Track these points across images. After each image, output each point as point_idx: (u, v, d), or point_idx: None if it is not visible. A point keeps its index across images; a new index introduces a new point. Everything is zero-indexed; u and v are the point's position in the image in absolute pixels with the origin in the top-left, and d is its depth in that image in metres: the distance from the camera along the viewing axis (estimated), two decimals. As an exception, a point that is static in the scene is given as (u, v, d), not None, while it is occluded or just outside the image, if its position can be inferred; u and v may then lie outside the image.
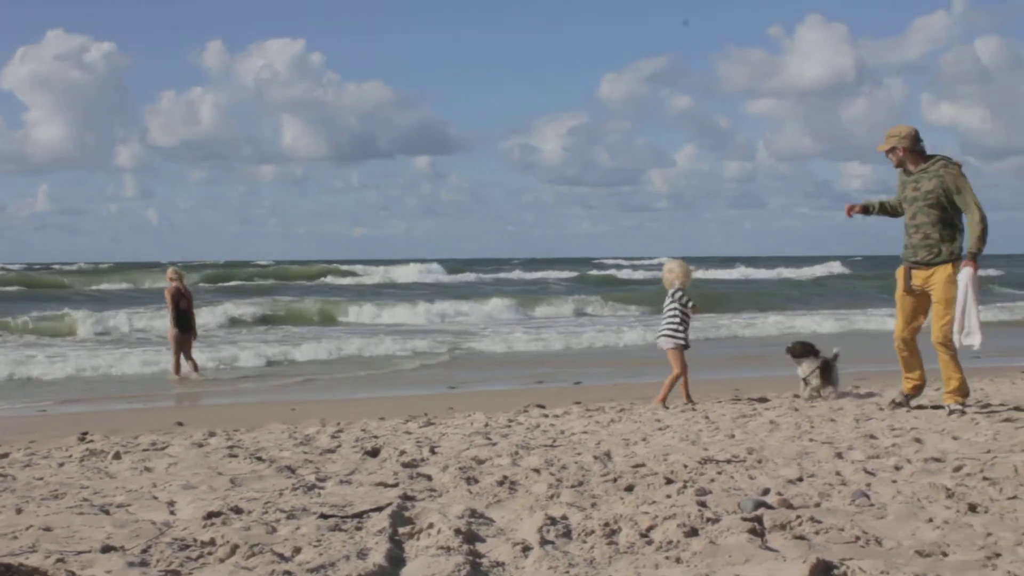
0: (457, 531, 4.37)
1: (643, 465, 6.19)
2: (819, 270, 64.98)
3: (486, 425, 8.75)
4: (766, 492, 5.26)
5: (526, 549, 4.14)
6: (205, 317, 25.48)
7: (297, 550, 4.18)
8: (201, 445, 7.75)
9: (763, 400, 10.16)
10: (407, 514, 4.80)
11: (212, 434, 8.50)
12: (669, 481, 5.56)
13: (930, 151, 8.33)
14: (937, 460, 6.13)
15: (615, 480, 5.63)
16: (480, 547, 4.25)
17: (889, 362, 9.88)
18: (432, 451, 7.07)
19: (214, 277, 51.80)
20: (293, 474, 6.18)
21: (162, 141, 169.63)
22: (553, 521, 4.57)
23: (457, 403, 11.13)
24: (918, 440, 7.02)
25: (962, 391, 8.26)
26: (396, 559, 4.05)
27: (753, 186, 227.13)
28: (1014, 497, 4.89)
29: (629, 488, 5.42)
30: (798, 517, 4.50)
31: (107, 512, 5.07)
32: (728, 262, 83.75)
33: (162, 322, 23.17)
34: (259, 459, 6.81)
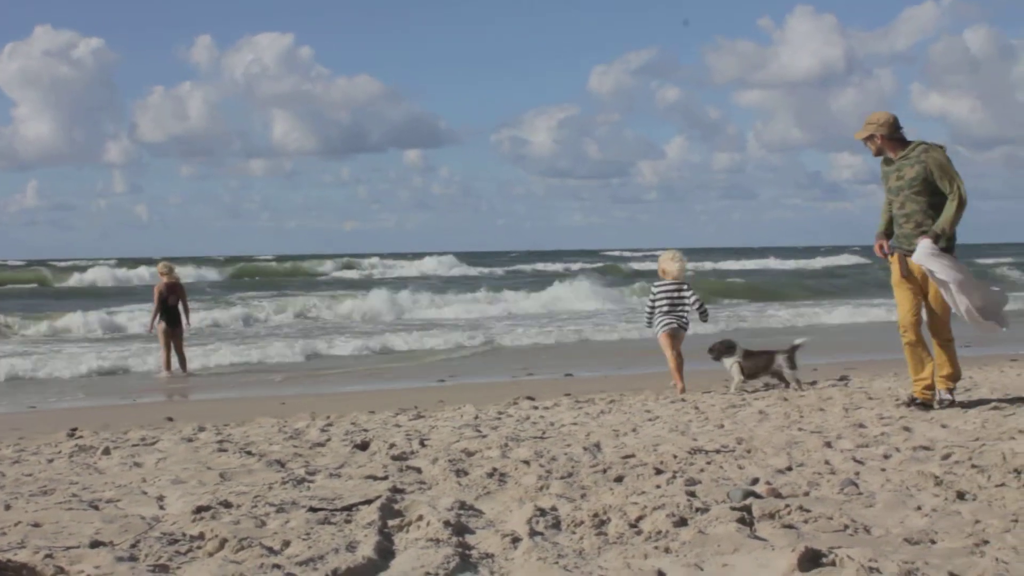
0: (447, 523, 4.37)
1: (633, 456, 6.20)
2: (839, 259, 64.99)
3: (476, 417, 8.76)
4: (755, 482, 5.27)
5: (515, 540, 4.15)
6: (231, 313, 25.52)
7: (286, 543, 4.17)
8: (191, 440, 7.74)
9: (753, 390, 10.18)
10: (396, 507, 4.80)
11: (202, 429, 8.49)
12: (658, 471, 5.57)
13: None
14: (926, 448, 6.15)
15: (605, 471, 5.64)
16: (469, 539, 4.25)
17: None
18: (422, 444, 7.07)
19: (239, 272, 51.53)
20: (283, 468, 6.18)
21: (151, 136, 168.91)
22: (542, 512, 4.58)
23: (447, 396, 11.13)
24: (907, 429, 7.04)
25: (954, 376, 8.16)
26: (385, 551, 4.05)
27: (743, 177, 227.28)
28: (1002, 485, 4.91)
29: (619, 479, 5.43)
30: (787, 506, 4.51)
31: (96, 507, 5.06)
32: (740, 252, 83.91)
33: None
34: (248, 453, 6.81)
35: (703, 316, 10.59)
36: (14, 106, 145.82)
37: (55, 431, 8.81)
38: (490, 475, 5.60)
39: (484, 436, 7.41)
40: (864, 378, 10.95)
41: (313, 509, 4.78)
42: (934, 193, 7.81)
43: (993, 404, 8.08)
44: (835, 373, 11.57)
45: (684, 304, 10.48)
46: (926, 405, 7.99)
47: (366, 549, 4.01)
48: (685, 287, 10.53)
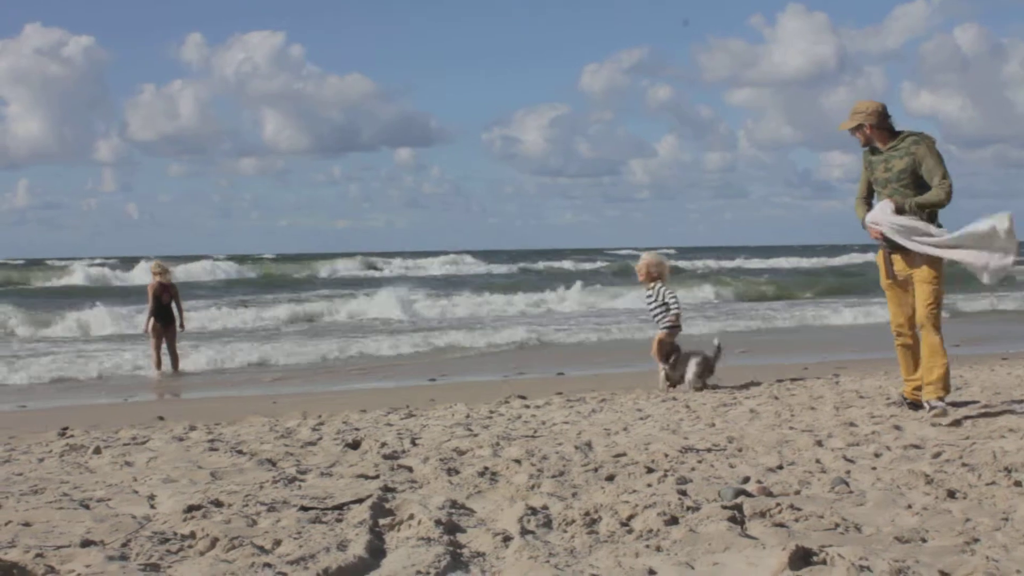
0: (438, 522, 4.37)
1: (624, 455, 6.21)
2: (849, 258, 65.15)
3: (467, 416, 8.75)
4: (746, 480, 5.28)
5: (507, 539, 4.15)
6: (266, 312, 25.45)
7: (277, 542, 4.17)
8: (182, 439, 7.72)
9: (745, 387, 10.19)
10: (388, 505, 4.80)
11: (193, 428, 8.47)
12: (650, 470, 5.58)
13: None
14: (916, 447, 6.16)
15: (596, 470, 5.64)
16: (461, 538, 4.25)
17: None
18: (413, 443, 7.06)
19: (267, 272, 51.24)
20: (274, 467, 6.17)
21: (142, 135, 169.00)
22: (534, 511, 4.58)
23: (439, 395, 11.12)
24: (897, 427, 7.06)
25: (945, 384, 7.53)
26: (376, 550, 4.05)
27: (735, 176, 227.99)
28: (992, 483, 4.92)
29: (610, 478, 5.44)
30: (778, 505, 4.52)
31: (87, 507, 5.05)
32: (753, 251, 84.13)
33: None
34: (240, 452, 6.80)
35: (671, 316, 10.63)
36: (4, 104, 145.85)
37: (46, 430, 8.78)
38: (481, 474, 5.60)
39: (475, 435, 7.40)
40: (855, 376, 10.97)
41: (304, 508, 4.77)
42: (923, 186, 7.52)
43: (984, 403, 8.10)
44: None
45: (670, 306, 10.60)
46: (915, 406, 7.81)
47: (357, 548, 4.01)
48: (667, 294, 10.63)
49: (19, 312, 23.84)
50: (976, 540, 3.96)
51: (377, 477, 5.65)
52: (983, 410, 7.70)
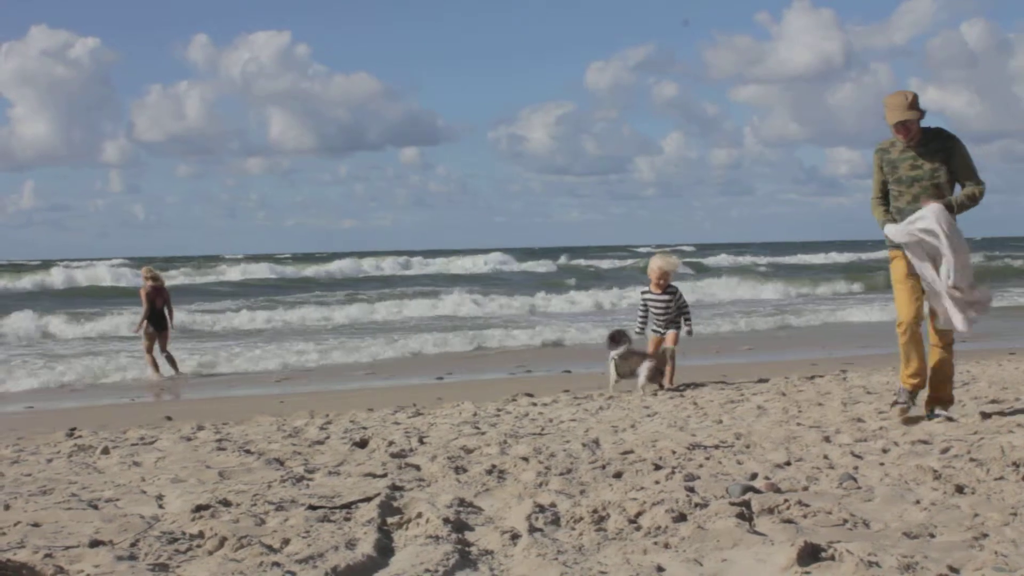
0: (446, 520, 4.37)
1: (631, 452, 6.20)
2: (875, 254, 64.85)
3: (475, 415, 8.76)
4: (754, 477, 5.28)
5: (515, 537, 4.15)
6: (312, 313, 25.44)
7: (286, 541, 4.17)
8: (190, 439, 7.74)
9: (754, 383, 10.19)
10: (396, 504, 4.80)
11: (200, 428, 8.49)
12: (657, 467, 5.57)
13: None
14: (924, 442, 6.15)
15: (603, 467, 5.64)
16: (469, 536, 4.25)
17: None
18: (421, 441, 7.07)
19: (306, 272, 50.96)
20: (281, 466, 6.18)
21: (148, 136, 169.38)
22: (542, 509, 4.58)
23: (446, 393, 11.13)
24: (905, 423, 7.04)
25: (948, 399, 7.43)
26: (385, 549, 4.05)
27: (741, 173, 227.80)
28: (1000, 478, 4.91)
29: (617, 475, 5.44)
30: (786, 501, 4.51)
31: (95, 507, 5.05)
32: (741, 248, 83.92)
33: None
34: (247, 452, 6.80)
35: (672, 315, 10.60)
36: (11, 106, 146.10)
37: (54, 431, 8.80)
38: (489, 472, 5.61)
39: (483, 433, 7.41)
40: (862, 372, 10.95)
41: (312, 507, 4.78)
42: (952, 189, 7.22)
43: (992, 398, 8.09)
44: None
45: (671, 308, 10.58)
46: (912, 394, 7.40)
47: (366, 547, 4.01)
48: (671, 294, 10.61)
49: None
50: (985, 535, 3.95)
51: (385, 476, 5.65)
52: (991, 405, 7.68)
